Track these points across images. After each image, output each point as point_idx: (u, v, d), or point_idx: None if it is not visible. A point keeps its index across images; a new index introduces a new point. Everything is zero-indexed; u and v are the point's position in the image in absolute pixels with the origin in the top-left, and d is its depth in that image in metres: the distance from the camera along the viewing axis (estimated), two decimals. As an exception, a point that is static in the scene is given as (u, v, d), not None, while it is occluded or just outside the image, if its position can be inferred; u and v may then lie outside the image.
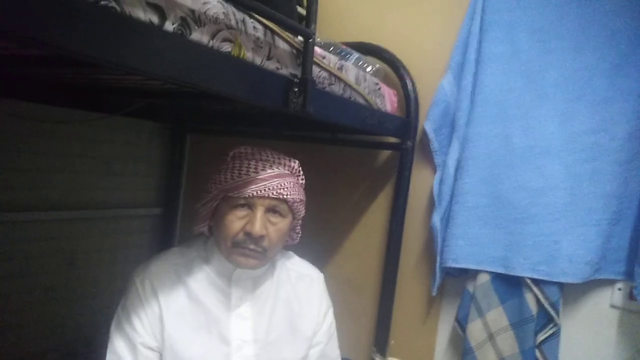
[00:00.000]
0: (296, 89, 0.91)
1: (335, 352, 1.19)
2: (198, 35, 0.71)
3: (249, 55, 0.82)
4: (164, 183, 2.09)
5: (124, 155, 1.93)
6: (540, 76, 1.40)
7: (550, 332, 1.36)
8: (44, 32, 0.52)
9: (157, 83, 1.10)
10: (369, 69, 1.46)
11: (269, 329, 1.06)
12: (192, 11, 0.69)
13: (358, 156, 1.72)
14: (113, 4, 0.58)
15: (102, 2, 0.57)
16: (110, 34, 0.58)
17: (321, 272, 1.23)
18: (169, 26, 0.66)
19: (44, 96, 1.43)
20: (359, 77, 1.27)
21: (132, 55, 0.62)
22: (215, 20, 0.73)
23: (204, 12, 0.71)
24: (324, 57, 1.07)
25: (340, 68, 1.16)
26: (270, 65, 0.88)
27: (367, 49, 1.58)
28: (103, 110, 1.60)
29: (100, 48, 0.58)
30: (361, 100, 1.26)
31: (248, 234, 0.98)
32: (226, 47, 0.77)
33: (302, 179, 1.09)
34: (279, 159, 1.05)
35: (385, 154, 1.68)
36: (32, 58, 0.87)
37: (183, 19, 0.68)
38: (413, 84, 1.57)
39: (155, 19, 0.64)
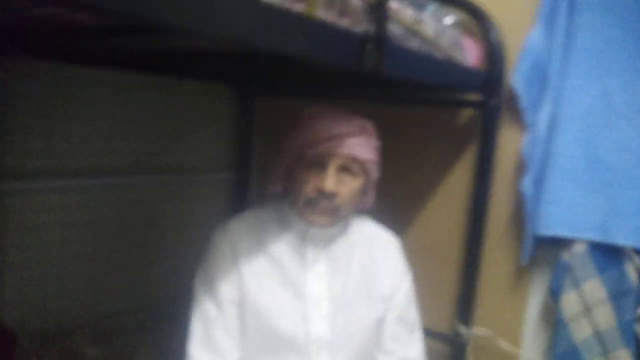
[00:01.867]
0: (371, 47, 0.86)
1: (415, 318, 1.17)
2: (270, -4, 0.67)
3: (321, 13, 0.77)
4: (235, 148, 2.11)
5: (195, 120, 1.96)
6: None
7: (655, 306, 1.24)
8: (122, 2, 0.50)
9: (227, 45, 1.08)
10: (448, 20, 1.36)
11: (345, 287, 1.08)
12: (262, -31, 0.65)
13: (437, 116, 1.62)
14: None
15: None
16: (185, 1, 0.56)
17: (399, 238, 1.21)
18: (240, -14, 0.62)
19: (117, 63, 1.47)
20: (438, 30, 1.17)
21: (206, 21, 0.60)
22: (286, -22, 0.68)
23: (274, -30, 0.66)
24: (400, 11, 0.99)
25: (418, 21, 1.07)
26: (344, 23, 0.83)
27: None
28: (175, 75, 1.62)
29: (176, 14, 0.57)
30: (441, 55, 1.17)
31: (320, 191, 0.99)
32: (299, 7, 0.72)
33: (376, 141, 1.08)
34: (352, 118, 1.04)
35: (468, 112, 1.58)
36: (108, 27, 0.87)
37: (253, -21, 0.64)
38: (498, 35, 1.44)
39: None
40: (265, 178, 2.04)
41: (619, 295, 1.29)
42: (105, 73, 1.57)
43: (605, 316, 1.30)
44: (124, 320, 1.71)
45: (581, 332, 1.32)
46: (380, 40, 0.85)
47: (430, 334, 1.51)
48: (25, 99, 1.46)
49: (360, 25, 0.86)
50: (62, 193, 1.57)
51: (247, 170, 2.08)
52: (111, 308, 1.74)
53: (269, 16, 0.68)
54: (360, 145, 1.01)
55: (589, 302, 1.31)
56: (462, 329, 1.48)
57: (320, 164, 1.00)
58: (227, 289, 1.03)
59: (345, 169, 1.01)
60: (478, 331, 1.50)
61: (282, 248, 1.07)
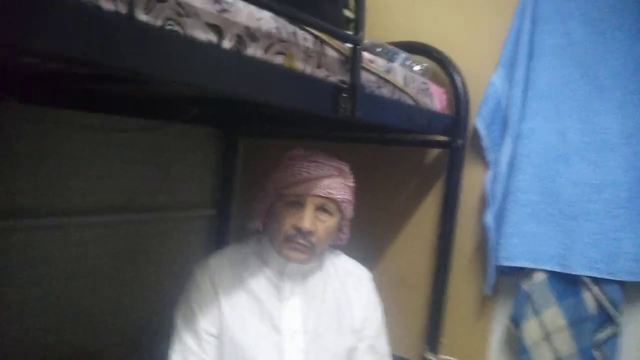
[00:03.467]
0: (345, 95, 0.94)
1: (384, 348, 1.22)
2: (252, 50, 0.75)
3: (299, 65, 0.86)
4: (218, 186, 2.18)
5: (181, 160, 2.02)
6: (597, 68, 1.36)
7: (610, 331, 1.32)
8: (117, 58, 0.58)
9: (213, 92, 1.16)
10: (416, 68, 1.47)
11: (318, 320, 1.12)
12: (247, 28, 0.73)
13: (407, 155, 1.72)
14: (177, 27, 0.63)
15: (168, 27, 0.62)
16: (175, 55, 0.64)
17: (371, 270, 1.27)
18: (226, 44, 0.71)
19: (107, 107, 1.53)
20: (407, 78, 1.28)
21: (194, 73, 0.68)
22: (269, 35, 0.77)
23: (258, 28, 0.75)
24: (372, 62, 1.09)
25: (389, 70, 1.17)
26: (320, 74, 0.91)
27: (415, 48, 1.58)
28: (163, 118, 1.69)
29: (166, 68, 0.64)
30: (410, 101, 1.27)
31: (298, 229, 1.05)
32: (278, 59, 0.81)
33: (352, 181, 1.16)
34: (330, 161, 1.12)
35: (435, 152, 1.68)
36: (97, 76, 0.94)
37: (239, 36, 0.72)
38: (462, 81, 1.56)
39: (214, 38, 0.69)
40: (245, 215, 2.10)
41: (577, 322, 1.35)
42: (93, 115, 1.63)
43: (565, 342, 1.36)
44: (103, 356, 1.71)
45: (542, 357, 1.37)
46: (353, 89, 0.94)
47: (400, 360, 1.57)
48: (13, 139, 1.50)
49: (335, 75, 0.95)
50: (45, 231, 1.60)
51: (228, 207, 2.13)
52: (92, 344, 1.74)
53: (252, 69, 0.76)
54: (337, 186, 1.08)
55: (548, 329, 1.37)
56: (430, 356, 1.53)
57: (298, 203, 1.07)
58: (205, 321, 1.06)
59: (321, 208, 1.08)
60: (444, 358, 1.55)
61: (260, 282, 1.11)
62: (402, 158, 1.74)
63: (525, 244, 1.40)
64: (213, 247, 2.11)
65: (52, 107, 1.49)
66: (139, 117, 1.69)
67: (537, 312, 1.39)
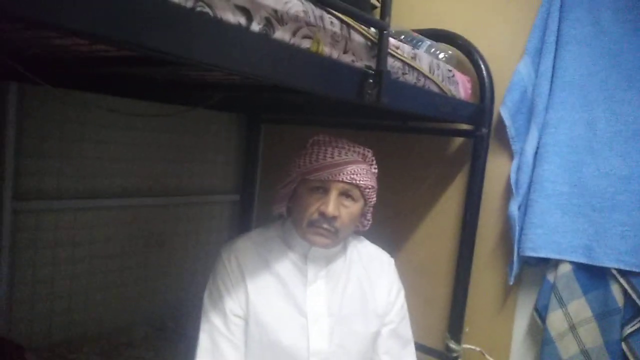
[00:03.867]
0: (371, 81, 0.94)
1: (408, 333, 1.23)
2: (280, 34, 0.75)
3: (326, 49, 0.85)
4: (241, 171, 2.20)
5: (205, 145, 2.06)
6: (626, 58, 1.34)
7: (639, 325, 1.30)
8: (148, 38, 0.58)
9: (238, 77, 1.17)
10: (441, 56, 1.45)
11: (342, 304, 1.13)
12: (275, 11, 0.73)
13: (430, 143, 1.71)
14: (207, 9, 0.64)
15: (198, 8, 0.63)
16: (204, 37, 0.64)
17: (393, 257, 1.27)
18: (255, 26, 0.71)
19: (133, 92, 1.56)
20: (433, 65, 1.27)
21: (223, 56, 0.68)
22: (296, 19, 0.77)
23: (286, 11, 0.75)
24: (397, 48, 1.08)
25: (414, 57, 1.16)
26: (346, 59, 0.91)
27: (440, 36, 1.57)
28: (187, 103, 1.71)
29: (196, 50, 0.64)
30: (435, 88, 1.26)
31: (322, 214, 1.05)
32: (305, 44, 0.80)
33: (375, 168, 1.15)
34: (354, 147, 1.12)
35: (458, 140, 1.67)
36: (130, 58, 0.95)
37: (267, 19, 0.72)
38: (488, 70, 1.54)
39: (243, 21, 0.69)
40: (267, 200, 2.12)
41: (604, 314, 1.34)
42: (119, 99, 1.66)
43: (591, 335, 1.35)
44: (130, 334, 1.75)
45: (568, 349, 1.37)
46: (379, 75, 0.93)
47: (422, 348, 1.58)
48: (40, 122, 1.54)
49: (362, 61, 0.95)
50: (72, 213, 1.65)
51: (251, 192, 2.16)
52: (118, 322, 1.80)
53: (280, 52, 0.76)
54: (361, 172, 1.08)
55: (574, 321, 1.36)
56: (453, 345, 1.53)
57: (322, 189, 1.07)
58: (232, 303, 1.08)
59: (345, 194, 1.08)
60: (467, 347, 1.55)
61: (284, 266, 1.12)
62: (425, 146, 1.73)
63: (551, 234, 1.39)
64: (236, 232, 2.14)
65: (80, 91, 1.52)
66: (164, 102, 1.71)
67: (562, 304, 1.38)
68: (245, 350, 1.09)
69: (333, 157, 1.07)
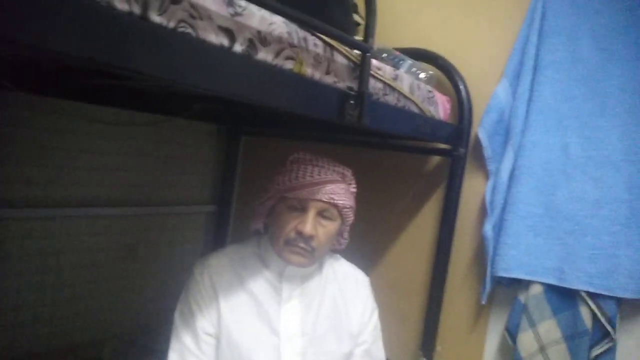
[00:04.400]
0: (352, 102, 0.94)
1: (380, 352, 1.23)
2: (263, 55, 0.75)
3: (308, 70, 0.85)
4: (218, 182, 2.18)
5: (183, 155, 2.03)
6: (601, 85, 1.37)
7: (606, 347, 1.32)
8: (129, 59, 0.57)
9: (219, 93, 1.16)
10: (422, 75, 1.47)
11: (316, 323, 1.12)
12: (259, 32, 0.73)
13: (408, 161, 1.73)
14: (189, 29, 0.63)
15: (180, 29, 0.62)
16: (186, 57, 0.63)
17: (368, 275, 1.27)
18: (238, 47, 0.71)
19: (111, 100, 1.53)
20: (413, 86, 1.28)
21: (205, 76, 0.67)
22: (280, 40, 0.77)
23: (270, 32, 0.75)
24: (379, 69, 1.09)
25: (395, 78, 1.17)
26: (329, 79, 0.91)
27: (421, 55, 1.58)
28: (166, 113, 1.68)
29: (177, 71, 0.63)
30: (415, 109, 1.27)
31: (299, 233, 1.05)
32: (288, 65, 0.80)
33: (354, 187, 1.16)
34: (333, 166, 1.12)
35: (436, 159, 1.68)
36: (109, 73, 0.94)
37: (250, 40, 0.72)
38: (467, 91, 1.56)
39: (225, 42, 0.69)
40: (244, 212, 2.10)
41: (573, 336, 1.35)
42: (98, 108, 1.63)
43: (560, 356, 1.36)
44: (99, 349, 1.71)
45: (537, 370, 1.39)
46: (361, 96, 0.94)
47: (395, 366, 1.57)
48: (11, 129, 1.50)
49: (343, 82, 0.95)
50: (41, 222, 1.60)
51: (228, 204, 2.14)
52: (86, 336, 1.75)
53: (262, 73, 0.76)
54: (339, 192, 1.08)
55: (544, 342, 1.38)
56: (425, 363, 1.54)
57: (300, 207, 1.07)
58: (204, 321, 1.06)
59: (323, 213, 1.08)
60: (440, 365, 1.56)
61: (259, 284, 1.11)
62: (403, 164, 1.74)
63: (523, 255, 1.41)
64: (212, 243, 2.12)
65: (58, 99, 1.48)
66: (142, 111, 1.69)
67: (532, 324, 1.39)
68: (217, 370, 1.07)
69: (312, 176, 1.07)
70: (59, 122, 1.60)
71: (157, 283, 1.97)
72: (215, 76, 0.68)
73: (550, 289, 1.40)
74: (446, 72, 1.59)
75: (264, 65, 0.76)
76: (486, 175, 1.54)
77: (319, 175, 1.08)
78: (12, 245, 1.53)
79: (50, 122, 1.57)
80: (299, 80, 0.83)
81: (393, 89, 1.14)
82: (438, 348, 1.56)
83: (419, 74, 1.45)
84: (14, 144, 1.50)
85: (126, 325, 1.87)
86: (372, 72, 1.02)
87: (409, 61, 1.44)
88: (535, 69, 1.45)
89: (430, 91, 1.40)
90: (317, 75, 0.88)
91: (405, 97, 1.21)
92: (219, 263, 1.12)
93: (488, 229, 1.45)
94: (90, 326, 1.76)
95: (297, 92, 0.84)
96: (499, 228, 1.47)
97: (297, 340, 1.09)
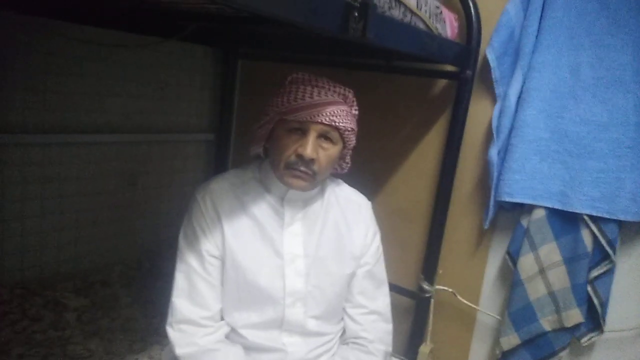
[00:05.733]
0: (356, 14, 0.88)
1: (382, 274, 1.24)
2: (260, -43, 0.68)
3: (309, -22, 0.79)
4: (216, 109, 2.13)
5: (179, 80, 1.96)
6: (616, 2, 1.30)
7: (605, 268, 1.35)
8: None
9: (214, 6, 1.09)
10: (429, -10, 1.38)
11: (318, 245, 1.13)
12: None
13: (412, 85, 1.67)
14: None
15: None
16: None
17: (370, 200, 1.26)
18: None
19: (101, 20, 1.45)
20: (420, 1, 1.20)
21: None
22: (278, -59, 0.70)
23: None
24: (385, -21, 1.02)
25: (401, -10, 1.10)
26: (330, -11, 0.85)
27: (428, -31, 1.48)
28: (158, 34, 1.61)
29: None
30: (421, 25, 1.20)
31: (300, 156, 1.02)
32: (287, -30, 0.74)
33: (356, 110, 1.12)
34: (334, 87, 1.07)
35: (442, 83, 1.63)
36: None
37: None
38: (476, 8, 1.48)
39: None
40: (244, 139, 2.07)
41: (573, 259, 1.37)
42: (87, 29, 1.55)
43: (559, 277, 1.39)
44: (106, 273, 1.74)
45: (536, 291, 1.41)
46: (365, 7, 0.87)
47: (396, 289, 1.62)
48: (5, 51, 1.44)
49: (346, -8, 0.89)
50: (42, 148, 1.58)
51: (227, 131, 2.10)
52: (92, 261, 1.78)
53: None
54: (341, 114, 1.04)
55: (544, 264, 1.40)
56: (426, 285, 1.57)
57: (300, 130, 1.03)
58: (209, 244, 1.07)
59: (324, 136, 1.04)
60: (440, 288, 1.59)
61: (261, 207, 1.11)
62: (407, 88, 1.69)
63: (528, 180, 1.40)
64: (211, 171, 2.11)
65: (46, 18, 1.40)
66: (135, 32, 1.61)
67: (534, 247, 1.40)
68: (222, 291, 1.09)
69: (312, 97, 1.03)
70: (52, 44, 1.53)
71: (158, 210, 1.98)
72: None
73: (552, 213, 1.39)
74: (454, -13, 1.49)
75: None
76: (493, 99, 1.49)
77: (319, 96, 1.03)
78: (12, 171, 1.52)
79: (43, 45, 1.51)
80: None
81: (399, 2, 1.07)
82: (440, 272, 1.59)
83: (425, -12, 1.36)
84: (7, 68, 1.45)
85: (130, 251, 1.90)
86: (377, -18, 0.95)
87: (416, -25, 1.35)
88: (549, -17, 1.37)
89: (437, 7, 1.31)
90: (319, -17, 0.81)
91: (411, 12, 1.13)
92: (220, 187, 1.10)
93: (493, 153, 1.43)
94: (96, 252, 1.79)
95: (298, 1, 0.78)
96: (504, 153, 1.44)
97: (300, 262, 1.10)
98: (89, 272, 1.73)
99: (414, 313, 1.64)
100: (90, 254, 1.77)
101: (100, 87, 1.69)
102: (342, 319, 1.21)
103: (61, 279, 1.64)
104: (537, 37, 1.39)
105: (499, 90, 1.47)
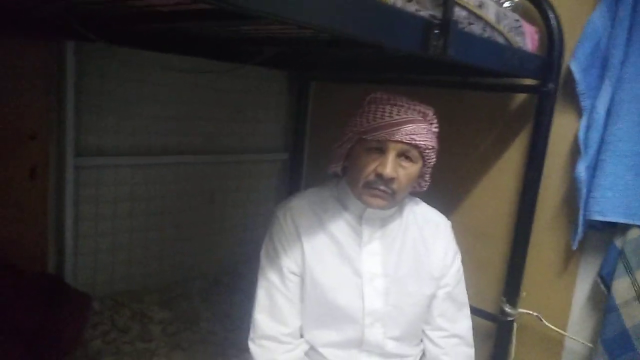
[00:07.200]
0: (437, 31, 0.88)
1: (463, 297, 1.20)
2: (344, -19, 0.70)
3: (390, -2, 0.80)
4: (290, 129, 2.19)
5: (255, 103, 2.05)
6: None
7: None
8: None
9: (294, 31, 1.13)
10: (506, 4, 1.35)
11: (397, 265, 1.11)
12: (340, -44, 0.69)
13: (490, 100, 1.63)
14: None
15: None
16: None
17: (448, 219, 1.23)
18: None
19: (184, 49, 1.55)
20: (500, 15, 1.18)
21: (287, 7, 0.64)
22: (361, -36, 0.72)
23: (350, -44, 0.70)
24: (464, -5, 1.01)
25: (480, 5, 1.08)
26: (411, 7, 0.85)
27: (504, -18, 1.45)
28: (237, 60, 1.68)
29: (262, 2, 0.61)
30: (501, 40, 1.17)
31: (379, 175, 1.02)
32: (370, -8, 0.75)
33: (436, 127, 1.10)
34: (413, 105, 1.06)
35: (521, 97, 1.57)
36: (190, 12, 0.93)
37: (331, -35, 0.68)
38: (557, 19, 1.42)
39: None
40: (317, 158, 2.11)
41: (673, 283, 1.27)
42: (174, 57, 1.66)
43: (657, 303, 1.28)
44: (187, 287, 1.83)
45: (632, 318, 1.31)
46: (446, 24, 0.87)
47: (476, 311, 1.55)
48: (98, 81, 1.57)
49: (426, 10, 0.89)
50: (132, 169, 1.70)
51: (301, 151, 2.15)
52: (175, 275, 1.87)
53: (348, 2, 0.72)
54: (420, 132, 1.02)
55: (641, 289, 1.30)
56: (508, 309, 1.50)
57: (379, 149, 1.03)
58: (289, 260, 1.09)
59: (404, 155, 1.03)
60: (524, 311, 1.51)
61: (339, 226, 1.11)
62: (484, 103, 1.64)
63: (621, 197, 1.31)
64: (285, 190, 2.16)
65: (135, 48, 1.52)
66: (214, 59, 1.70)
67: (629, 270, 1.31)
68: (302, 308, 1.10)
69: (391, 116, 1.02)
70: (139, 72, 1.65)
71: (234, 228, 2.05)
72: (296, 5, 0.65)
73: (650, 233, 1.29)
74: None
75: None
76: (578, 112, 1.42)
77: (399, 114, 1.02)
78: (105, 191, 1.64)
79: (128, 72, 1.63)
80: (381, 8, 0.78)
81: (478, 17, 1.05)
82: (523, 294, 1.51)
83: (502, 2, 1.34)
84: (97, 95, 1.58)
85: (209, 266, 1.98)
86: (456, -2, 0.94)
87: (492, -11, 1.33)
88: (637, -9, 1.30)
89: (517, 20, 1.28)
90: (400, 2, 0.82)
91: (491, 26, 1.11)
92: (299, 205, 1.12)
93: (581, 169, 1.35)
94: (177, 267, 1.88)
95: (379, 21, 0.79)
96: (593, 169, 1.36)
97: (379, 281, 1.09)
98: (172, 286, 1.82)
99: (495, 337, 1.56)
100: (172, 269, 1.87)
101: (179, 111, 1.80)
102: (422, 341, 1.18)
103: (147, 292, 1.73)
104: (627, 46, 1.32)
105: (585, 103, 1.40)
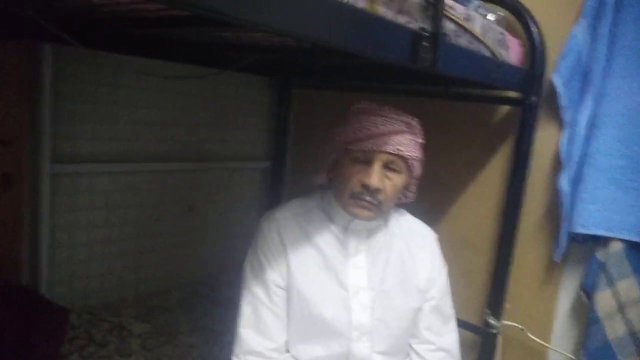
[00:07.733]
0: (426, 44, 0.87)
1: (449, 309, 1.20)
2: (335, -8, 0.69)
3: (381, 9, 0.79)
4: (271, 137, 2.16)
5: (235, 109, 2.01)
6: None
7: (693, 308, 1.24)
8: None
9: (278, 39, 1.11)
10: (490, 17, 1.36)
11: (383, 278, 1.10)
12: (331, -34, 0.67)
13: (473, 111, 1.63)
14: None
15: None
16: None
17: (432, 229, 1.23)
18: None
19: (163, 53, 1.51)
20: (485, 27, 1.18)
21: (273, 16, 0.62)
22: (352, -25, 0.71)
23: (342, -33, 0.69)
24: (451, 8, 1.01)
25: (467, 18, 1.08)
26: (401, 19, 0.84)
27: (488, -5, 1.46)
28: (218, 65, 1.65)
29: (246, 10, 0.59)
30: (487, 53, 1.18)
31: (365, 186, 1.01)
32: (361, 3, 0.74)
33: (422, 138, 1.10)
34: (399, 116, 1.06)
35: (504, 109, 1.58)
36: (171, 18, 0.90)
37: (321, -24, 0.66)
38: (540, 33, 1.44)
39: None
40: (299, 167, 2.08)
41: (653, 295, 1.28)
42: (152, 62, 1.62)
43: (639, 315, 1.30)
44: (166, 299, 1.78)
45: (614, 330, 1.32)
46: (435, 37, 0.87)
47: (461, 323, 1.54)
48: (74, 85, 1.52)
49: (416, 22, 0.88)
50: (106, 177, 1.64)
51: (282, 159, 2.12)
52: (153, 286, 1.82)
53: (333, 12, 0.70)
54: (406, 143, 1.02)
55: (623, 301, 1.30)
56: (492, 321, 1.50)
57: (365, 160, 1.02)
58: (274, 274, 1.07)
59: (389, 165, 1.03)
60: (508, 323, 1.51)
61: (325, 238, 1.10)
62: (468, 115, 1.65)
63: (602, 210, 1.32)
64: (268, 199, 2.13)
65: (112, 52, 1.48)
66: (194, 64, 1.67)
67: (611, 283, 1.32)
68: (287, 322, 1.08)
69: (377, 127, 1.02)
70: (116, 77, 1.61)
71: (214, 237, 2.01)
72: (284, 15, 0.63)
73: (631, 246, 1.31)
74: (516, 13, 1.46)
75: (335, 3, 0.70)
76: (560, 125, 1.43)
77: (384, 125, 1.02)
78: (81, 199, 1.59)
79: (104, 76, 1.58)
80: (371, 20, 0.77)
81: (465, 30, 1.05)
82: (507, 306, 1.51)
83: (486, 14, 1.34)
84: (74, 100, 1.53)
85: (188, 277, 1.93)
86: (445, 11, 0.94)
87: (476, 1, 1.34)
88: (617, 6, 1.33)
89: (501, 33, 1.29)
90: (390, 14, 0.81)
91: (477, 39, 1.11)
92: (284, 217, 1.11)
93: (563, 182, 1.37)
94: (155, 277, 1.83)
95: (369, 33, 0.78)
96: (575, 182, 1.38)
97: (365, 294, 1.08)
98: (150, 297, 1.76)
99: (479, 350, 1.56)
100: (150, 280, 1.81)
101: (161, 117, 1.75)
102: (408, 354, 1.16)
103: (125, 304, 1.68)
104: (607, 61, 1.34)
105: (566, 116, 1.41)
